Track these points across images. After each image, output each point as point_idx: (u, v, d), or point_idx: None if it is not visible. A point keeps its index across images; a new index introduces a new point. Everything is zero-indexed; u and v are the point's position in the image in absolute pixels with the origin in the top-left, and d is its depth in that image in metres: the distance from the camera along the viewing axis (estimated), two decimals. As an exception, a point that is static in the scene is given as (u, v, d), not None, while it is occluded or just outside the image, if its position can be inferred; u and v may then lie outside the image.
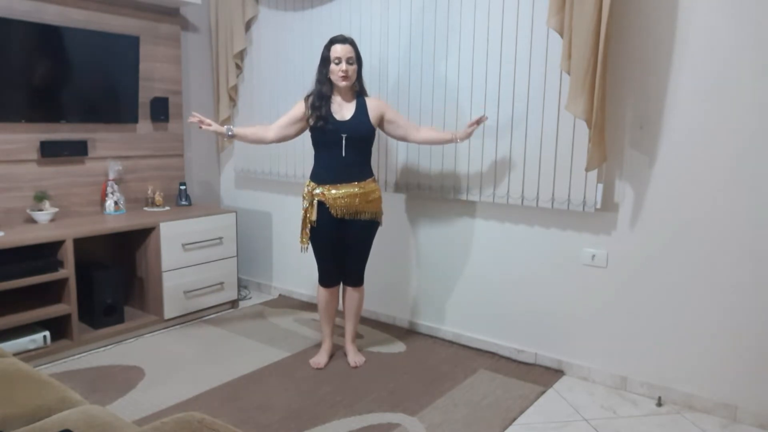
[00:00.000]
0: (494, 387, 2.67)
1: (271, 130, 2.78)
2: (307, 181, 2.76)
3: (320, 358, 2.89)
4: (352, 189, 2.68)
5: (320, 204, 2.70)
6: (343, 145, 2.65)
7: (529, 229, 2.88)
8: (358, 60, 2.67)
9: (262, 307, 3.77)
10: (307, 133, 2.79)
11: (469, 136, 2.74)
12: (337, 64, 2.62)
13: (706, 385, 2.47)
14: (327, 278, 2.86)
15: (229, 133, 2.73)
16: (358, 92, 2.74)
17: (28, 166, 3.15)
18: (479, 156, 2.92)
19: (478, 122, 2.70)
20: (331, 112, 2.66)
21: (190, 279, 3.45)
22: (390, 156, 3.25)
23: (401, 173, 3.23)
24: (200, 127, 2.71)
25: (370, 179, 2.75)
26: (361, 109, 2.71)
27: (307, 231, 2.76)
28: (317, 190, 2.69)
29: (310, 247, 2.81)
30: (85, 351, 3.02)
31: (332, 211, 2.69)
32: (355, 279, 2.89)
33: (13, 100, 3.02)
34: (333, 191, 2.67)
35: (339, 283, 2.90)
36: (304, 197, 2.75)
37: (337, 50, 2.61)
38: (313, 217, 2.71)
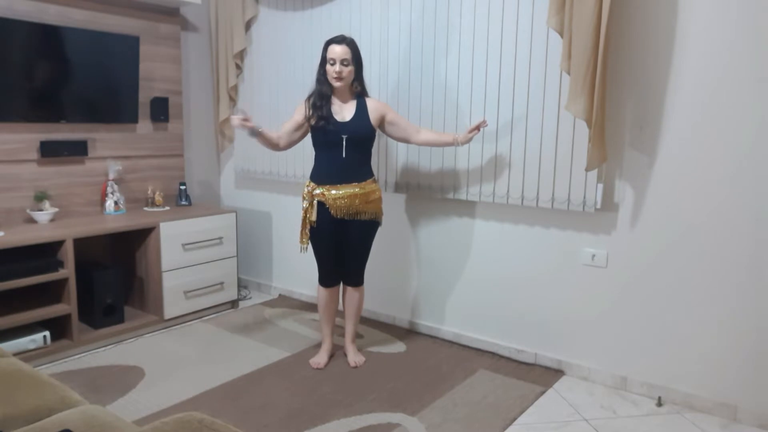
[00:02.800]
0: (494, 387, 2.67)
1: (282, 138, 2.75)
2: (307, 181, 2.76)
3: (320, 358, 2.89)
4: (352, 189, 2.68)
5: (320, 204, 2.70)
6: (343, 146, 2.65)
7: (529, 229, 2.88)
8: (356, 61, 2.66)
9: (262, 307, 3.77)
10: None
11: (469, 140, 2.75)
12: (332, 65, 2.61)
13: (706, 385, 2.47)
14: (327, 278, 2.86)
15: (259, 129, 2.61)
16: (359, 93, 2.74)
17: (28, 166, 3.15)
18: (479, 156, 2.92)
19: (478, 127, 2.71)
20: (331, 112, 2.66)
21: (190, 279, 3.45)
22: (390, 156, 3.25)
23: (401, 173, 3.23)
24: (239, 124, 2.53)
25: (370, 180, 2.75)
26: (362, 110, 2.70)
27: (307, 231, 2.75)
28: (317, 191, 2.69)
29: (309, 247, 2.81)
30: (85, 351, 3.02)
31: (332, 212, 2.68)
32: (355, 279, 2.89)
33: (13, 100, 3.02)
34: (333, 192, 2.67)
35: (339, 284, 2.91)
36: (303, 197, 2.75)
37: (333, 51, 2.61)
38: (313, 217, 2.71)
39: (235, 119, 2.55)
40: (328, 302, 2.90)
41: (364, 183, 2.71)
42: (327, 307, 2.91)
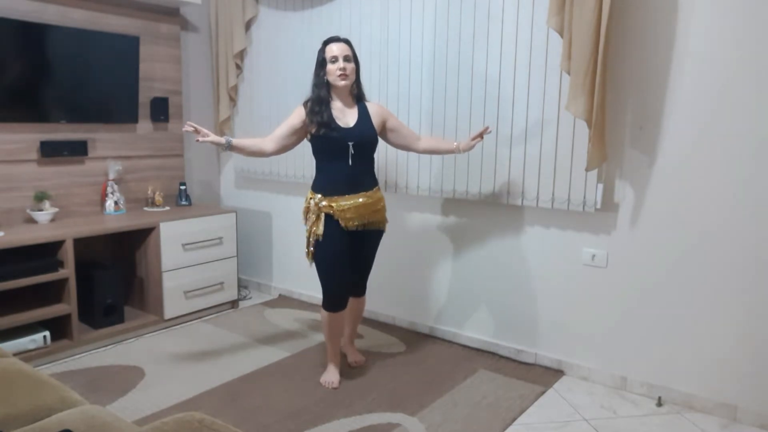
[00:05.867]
0: (494, 387, 2.67)
1: (271, 142, 2.53)
2: (310, 193, 2.55)
3: (332, 377, 2.67)
4: (360, 199, 2.51)
5: (327, 217, 2.49)
6: (349, 154, 2.47)
7: (529, 229, 2.88)
8: (355, 60, 2.53)
9: (262, 307, 3.77)
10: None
11: (471, 147, 2.65)
12: (333, 62, 2.46)
13: (706, 385, 2.47)
14: (335, 302, 2.58)
15: (228, 143, 2.46)
16: (357, 96, 2.59)
17: (28, 166, 3.15)
18: (479, 156, 2.92)
19: (481, 135, 2.62)
20: (333, 117, 2.48)
21: (190, 279, 3.45)
22: (389, 156, 3.25)
23: (398, 174, 3.23)
24: (197, 140, 2.42)
25: (376, 188, 2.61)
26: (364, 115, 2.56)
27: (312, 249, 2.54)
28: (323, 203, 2.49)
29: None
30: (85, 351, 3.02)
31: (342, 224, 2.49)
32: (362, 290, 2.81)
33: (13, 99, 3.01)
34: (342, 203, 2.48)
35: (346, 306, 2.66)
36: (309, 209, 2.54)
37: (333, 49, 2.47)
38: (320, 230, 2.49)
39: (188, 129, 2.41)
40: (335, 326, 2.64)
41: (371, 192, 2.56)
42: (334, 331, 2.65)
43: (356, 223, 2.52)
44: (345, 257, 2.55)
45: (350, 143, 2.48)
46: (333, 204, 2.49)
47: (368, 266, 2.76)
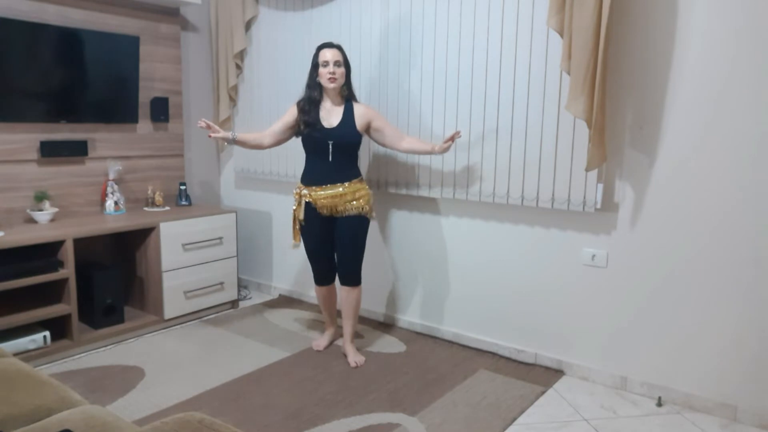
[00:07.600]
0: (494, 387, 2.67)
1: (268, 137, 2.89)
2: (298, 183, 2.89)
3: (320, 342, 3.08)
4: (336, 190, 2.78)
5: (307, 204, 2.82)
6: (330, 151, 2.76)
7: (529, 229, 2.88)
8: (346, 65, 2.77)
9: (262, 307, 3.77)
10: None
11: (446, 150, 2.78)
12: (324, 66, 2.72)
13: (706, 385, 2.47)
14: (320, 277, 2.99)
15: (233, 137, 2.81)
16: (347, 98, 2.83)
17: (28, 166, 3.15)
18: (479, 156, 2.92)
19: (453, 138, 2.75)
20: (319, 118, 2.77)
21: (190, 279, 3.45)
22: (388, 154, 3.25)
23: (400, 172, 3.23)
24: (209, 136, 2.76)
25: (356, 180, 2.84)
26: (349, 116, 2.79)
27: (298, 229, 2.90)
28: (304, 191, 2.83)
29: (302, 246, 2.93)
30: (85, 351, 3.02)
31: (318, 210, 2.81)
32: (350, 278, 2.89)
33: (13, 99, 3.01)
34: (320, 192, 2.79)
35: (333, 281, 3.01)
36: (294, 198, 2.88)
37: (325, 54, 2.73)
38: (301, 215, 2.84)
39: (202, 125, 2.74)
40: (326, 297, 3.04)
41: (349, 183, 2.81)
42: (325, 301, 3.06)
43: (330, 209, 2.80)
44: (324, 239, 2.89)
45: (330, 142, 2.75)
46: (312, 194, 2.81)
47: (354, 252, 2.88)
